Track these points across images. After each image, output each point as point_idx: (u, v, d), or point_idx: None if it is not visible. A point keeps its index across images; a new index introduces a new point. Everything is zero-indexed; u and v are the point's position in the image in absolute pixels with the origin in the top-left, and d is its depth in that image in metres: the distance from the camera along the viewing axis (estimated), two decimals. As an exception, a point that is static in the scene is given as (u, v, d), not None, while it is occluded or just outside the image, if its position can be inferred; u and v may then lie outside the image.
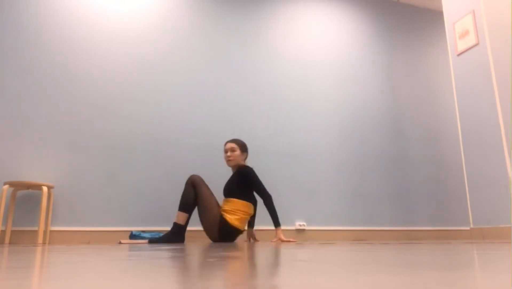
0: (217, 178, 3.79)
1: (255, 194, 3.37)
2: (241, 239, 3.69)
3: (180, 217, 2.91)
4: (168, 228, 3.51)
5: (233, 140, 3.13)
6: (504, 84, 3.10)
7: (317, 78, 4.51)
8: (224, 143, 3.85)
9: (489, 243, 1.95)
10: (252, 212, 3.02)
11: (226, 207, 2.97)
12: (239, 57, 4.23)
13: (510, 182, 2.94)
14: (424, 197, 4.58)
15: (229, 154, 3.10)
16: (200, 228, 3.56)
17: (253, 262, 0.82)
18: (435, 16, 5.47)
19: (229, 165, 3.11)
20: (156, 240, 2.88)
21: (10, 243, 3.09)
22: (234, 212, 2.92)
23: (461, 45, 3.51)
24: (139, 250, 1.51)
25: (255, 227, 3.73)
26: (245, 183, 2.99)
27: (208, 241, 3.54)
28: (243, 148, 3.12)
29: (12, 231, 3.13)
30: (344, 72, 4.66)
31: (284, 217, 3.90)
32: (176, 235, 2.88)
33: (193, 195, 2.94)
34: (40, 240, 2.89)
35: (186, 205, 2.92)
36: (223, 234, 2.89)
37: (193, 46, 4.09)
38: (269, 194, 2.97)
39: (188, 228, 3.55)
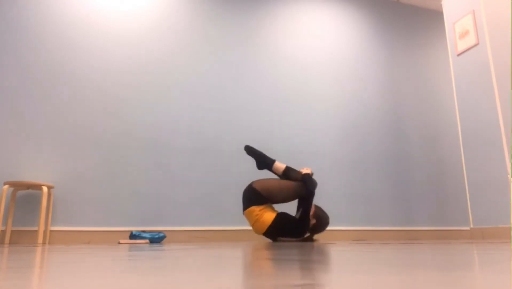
0: (217, 178, 3.79)
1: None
2: (243, 238, 3.69)
3: (279, 166, 3.12)
4: (168, 228, 3.51)
5: (316, 206, 3.13)
6: (504, 84, 3.10)
7: (317, 78, 4.51)
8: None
9: (489, 243, 1.95)
10: (254, 231, 2.99)
11: (268, 208, 2.96)
12: (239, 58, 4.23)
13: (510, 182, 2.94)
14: (424, 197, 4.58)
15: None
16: (204, 228, 3.57)
17: (252, 262, 0.82)
18: (435, 16, 5.47)
19: None
20: (253, 148, 3.21)
21: (10, 243, 3.09)
22: (260, 214, 2.91)
23: (461, 45, 3.51)
24: (139, 250, 1.51)
25: None
26: (292, 224, 2.95)
27: (209, 240, 3.54)
28: (316, 216, 3.04)
29: (12, 231, 3.13)
30: (344, 72, 4.66)
31: (284, 217, 3.90)
32: (263, 160, 3.16)
33: (297, 179, 3.03)
34: (40, 240, 2.89)
35: (291, 172, 3.07)
36: (251, 195, 2.94)
37: (193, 46, 4.09)
38: (277, 238, 3.00)
39: (191, 228, 3.55)
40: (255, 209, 2.91)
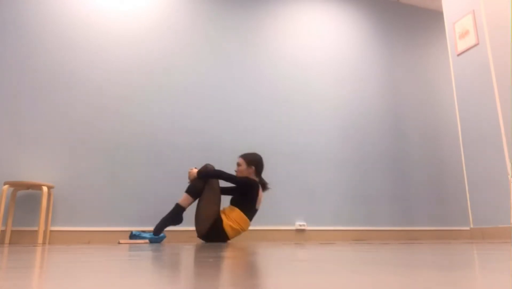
0: (217, 178, 3.79)
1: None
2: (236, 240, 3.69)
3: (185, 199, 2.97)
4: (168, 228, 3.51)
5: (242, 155, 3.16)
6: (504, 84, 3.10)
7: (317, 78, 4.51)
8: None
9: (489, 243, 1.95)
10: (246, 228, 3.01)
11: (227, 212, 2.99)
12: (239, 58, 4.23)
13: (510, 182, 2.94)
14: (424, 197, 4.57)
15: (236, 168, 3.23)
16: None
17: (253, 262, 0.82)
18: (435, 16, 5.47)
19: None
20: (157, 225, 2.97)
21: (10, 243, 3.09)
22: (232, 219, 2.94)
23: (461, 45, 3.51)
24: (139, 250, 1.51)
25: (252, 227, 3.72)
26: (245, 194, 2.99)
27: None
28: (250, 162, 3.10)
29: (12, 231, 3.13)
30: (344, 72, 4.66)
31: (284, 217, 3.90)
32: (175, 216, 2.96)
33: (203, 182, 2.97)
34: (40, 240, 2.89)
35: (193, 189, 2.97)
36: (212, 232, 2.90)
37: (193, 46, 4.09)
38: (255, 208, 3.00)
39: (191, 228, 3.54)
40: (230, 226, 2.90)
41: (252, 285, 0.44)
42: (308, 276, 0.54)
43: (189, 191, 2.98)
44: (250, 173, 3.11)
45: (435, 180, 4.69)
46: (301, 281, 0.47)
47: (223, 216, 2.94)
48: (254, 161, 3.12)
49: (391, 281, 0.46)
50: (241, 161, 3.12)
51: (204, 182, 2.97)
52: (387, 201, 4.39)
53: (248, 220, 2.98)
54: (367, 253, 1.11)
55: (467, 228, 4.58)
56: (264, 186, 3.14)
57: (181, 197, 3.17)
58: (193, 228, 3.56)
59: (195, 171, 3.03)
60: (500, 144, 3.05)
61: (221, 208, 3.07)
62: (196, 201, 3.03)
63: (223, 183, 3.22)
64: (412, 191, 4.54)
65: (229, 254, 1.14)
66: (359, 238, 4.12)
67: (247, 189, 2.99)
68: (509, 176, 2.94)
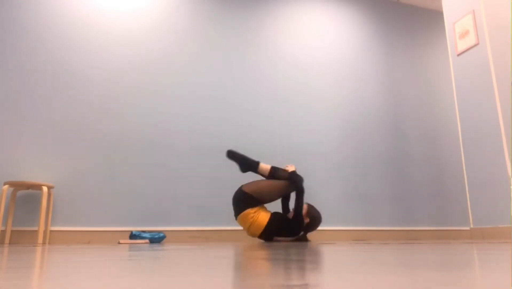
0: (216, 177, 3.79)
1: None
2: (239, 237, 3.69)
3: (264, 168, 3.12)
4: (168, 228, 3.51)
5: (309, 204, 3.17)
6: (504, 84, 3.10)
7: (317, 78, 4.51)
8: None
9: (489, 243, 1.95)
10: (248, 233, 3.02)
11: (260, 210, 2.98)
12: (239, 57, 4.23)
13: (510, 182, 2.94)
14: (424, 197, 4.57)
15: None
16: (203, 228, 3.57)
17: (250, 262, 0.82)
18: (435, 16, 5.47)
19: None
20: (237, 152, 3.17)
21: (10, 243, 3.09)
22: (254, 216, 2.93)
23: (461, 45, 3.51)
24: (139, 250, 1.51)
25: None
26: (287, 223, 3.00)
27: (208, 240, 3.54)
28: (309, 213, 3.09)
29: (12, 231, 3.13)
30: (344, 72, 4.66)
31: (284, 217, 3.90)
32: (248, 163, 3.12)
33: (287, 179, 3.04)
34: (40, 240, 2.89)
35: (276, 172, 3.08)
36: (241, 199, 2.95)
37: (193, 47, 4.09)
38: (274, 236, 3.01)
39: (190, 228, 3.55)
40: (250, 212, 2.93)
41: (251, 286, 0.44)
42: (308, 276, 0.54)
43: (273, 170, 3.09)
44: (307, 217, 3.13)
45: (435, 180, 4.69)
46: (301, 281, 0.47)
47: (257, 208, 2.96)
48: (313, 217, 3.10)
49: (391, 281, 0.46)
50: (306, 206, 3.13)
51: (288, 180, 3.04)
52: (387, 201, 4.38)
53: (260, 232, 2.94)
54: (367, 253, 1.11)
55: (467, 228, 4.58)
56: (300, 238, 3.10)
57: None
58: (192, 228, 3.57)
59: (292, 167, 3.11)
60: (500, 144, 3.05)
61: (263, 206, 3.07)
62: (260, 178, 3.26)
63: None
64: (412, 191, 4.54)
65: (227, 254, 1.14)
66: (359, 238, 4.12)
67: (294, 225, 2.99)
68: (509, 175, 2.94)
